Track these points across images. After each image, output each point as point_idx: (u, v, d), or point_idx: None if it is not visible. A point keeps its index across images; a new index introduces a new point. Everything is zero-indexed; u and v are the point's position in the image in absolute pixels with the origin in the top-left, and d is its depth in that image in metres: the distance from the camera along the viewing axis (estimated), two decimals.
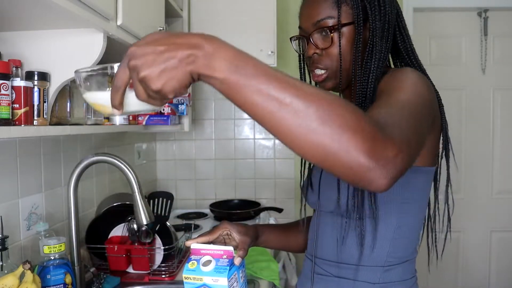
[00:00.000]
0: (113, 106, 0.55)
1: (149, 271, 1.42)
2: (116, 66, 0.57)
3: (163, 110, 1.72)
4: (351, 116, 0.52)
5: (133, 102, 0.56)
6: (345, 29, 0.86)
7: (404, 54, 0.91)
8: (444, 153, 0.90)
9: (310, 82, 0.96)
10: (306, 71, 0.98)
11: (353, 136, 0.51)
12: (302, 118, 0.51)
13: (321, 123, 0.50)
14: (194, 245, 0.82)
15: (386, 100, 0.69)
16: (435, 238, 0.96)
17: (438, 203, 0.92)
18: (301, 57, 0.98)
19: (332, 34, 0.86)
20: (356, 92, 0.85)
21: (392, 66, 0.95)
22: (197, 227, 2.03)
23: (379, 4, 0.85)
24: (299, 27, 0.93)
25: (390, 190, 0.83)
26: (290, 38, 0.96)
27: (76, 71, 0.60)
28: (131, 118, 1.52)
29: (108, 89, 0.57)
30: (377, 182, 0.52)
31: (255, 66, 0.52)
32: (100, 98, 0.59)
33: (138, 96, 0.53)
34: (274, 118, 0.52)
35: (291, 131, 0.52)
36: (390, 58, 0.93)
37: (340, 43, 0.86)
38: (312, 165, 1.02)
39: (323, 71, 0.89)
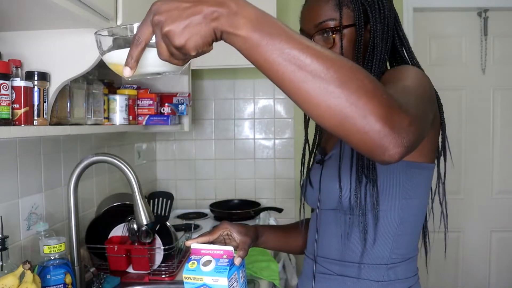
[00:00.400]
0: (127, 64, 0.54)
1: (149, 271, 1.42)
2: (136, 25, 0.56)
3: (163, 110, 1.72)
4: (369, 82, 0.52)
5: (153, 62, 0.55)
6: (346, 31, 0.88)
7: (403, 55, 0.93)
8: (442, 152, 0.90)
9: None
10: None
11: (370, 101, 0.51)
12: (321, 79, 0.51)
13: (339, 85, 0.51)
14: (194, 245, 0.82)
15: (392, 86, 0.70)
16: (428, 236, 0.97)
17: (433, 202, 0.93)
18: None
19: (333, 36, 0.88)
20: None
21: (389, 67, 0.96)
22: (197, 227, 2.03)
23: (379, 7, 0.87)
24: (301, 30, 0.94)
25: (394, 185, 0.83)
26: None
27: (95, 33, 0.59)
28: (131, 118, 1.52)
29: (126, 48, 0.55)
30: (391, 151, 0.52)
31: (277, 26, 0.52)
32: (117, 56, 0.57)
33: (160, 53, 0.53)
34: (293, 79, 0.52)
35: (309, 93, 0.52)
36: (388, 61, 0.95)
37: (341, 44, 0.87)
38: (311, 164, 1.02)
39: None
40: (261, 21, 0.52)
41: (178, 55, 0.53)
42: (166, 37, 0.51)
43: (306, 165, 1.03)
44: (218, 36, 0.53)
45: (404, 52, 0.93)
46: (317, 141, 1.03)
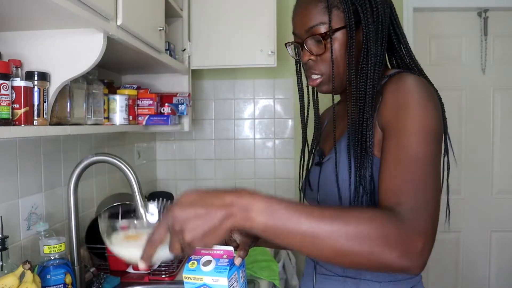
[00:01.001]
0: (144, 259, 0.63)
1: (149, 271, 1.42)
2: (136, 222, 0.72)
3: (163, 110, 1.72)
4: (375, 231, 0.62)
5: (163, 254, 0.65)
6: (338, 34, 0.85)
7: (400, 53, 0.91)
8: (445, 152, 0.89)
9: (307, 86, 0.98)
10: (303, 74, 0.98)
11: (383, 250, 0.61)
12: (336, 245, 0.61)
13: (351, 245, 0.61)
14: None
15: (396, 156, 0.73)
16: None
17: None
18: (297, 61, 0.98)
19: (325, 41, 0.85)
20: (352, 97, 0.85)
21: (389, 65, 0.95)
22: None
23: (371, 5, 0.84)
24: (293, 33, 0.93)
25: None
26: (285, 44, 0.96)
27: (101, 216, 0.72)
28: (131, 118, 1.52)
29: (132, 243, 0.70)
30: (412, 271, 0.64)
31: (286, 209, 0.62)
32: (128, 254, 0.70)
33: (172, 250, 0.62)
34: (311, 248, 0.63)
35: (328, 257, 0.64)
36: (386, 56, 0.93)
37: (332, 49, 0.85)
38: (310, 165, 1.01)
39: (318, 76, 0.90)
40: (271, 210, 0.61)
41: (190, 250, 0.62)
42: (186, 244, 0.60)
43: (305, 166, 1.02)
44: (234, 230, 0.64)
45: (402, 50, 0.91)
46: (316, 142, 1.02)
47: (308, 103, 1.01)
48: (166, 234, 0.61)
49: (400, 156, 0.72)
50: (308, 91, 1.01)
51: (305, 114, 1.01)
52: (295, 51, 0.94)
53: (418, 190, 0.69)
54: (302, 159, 1.02)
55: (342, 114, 0.96)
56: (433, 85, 0.87)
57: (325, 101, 1.03)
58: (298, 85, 1.01)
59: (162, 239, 0.61)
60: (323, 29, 0.85)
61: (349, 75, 0.86)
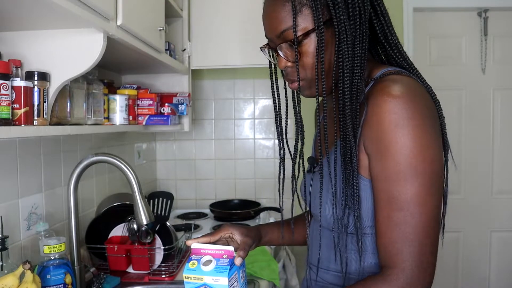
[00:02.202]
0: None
1: (149, 271, 1.42)
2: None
3: (163, 110, 1.72)
4: None
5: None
6: (313, 36, 0.76)
7: (386, 46, 0.82)
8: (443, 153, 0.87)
9: (285, 87, 0.91)
10: (279, 78, 0.91)
11: None
12: None
13: None
14: (194, 244, 0.82)
15: (389, 212, 0.72)
16: None
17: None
18: (273, 65, 0.90)
19: (298, 45, 0.77)
20: (338, 104, 0.77)
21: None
22: (197, 227, 2.03)
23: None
24: (266, 37, 0.85)
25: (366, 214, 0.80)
26: (261, 48, 0.87)
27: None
28: (131, 118, 1.51)
29: None
30: None
31: None
32: None
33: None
34: None
35: None
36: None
37: (297, 59, 0.77)
38: (298, 175, 0.93)
39: (297, 81, 0.81)
40: None
41: None
42: None
43: (296, 175, 0.93)
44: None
45: (387, 43, 0.81)
46: (301, 147, 0.92)
47: (294, 105, 0.89)
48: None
49: (394, 212, 0.71)
50: (286, 94, 0.93)
51: (279, 122, 0.93)
52: (270, 54, 0.86)
53: (416, 251, 0.70)
54: (293, 168, 0.93)
55: (329, 117, 0.90)
56: (424, 81, 0.81)
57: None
58: (272, 91, 0.92)
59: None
60: (293, 33, 0.76)
61: (326, 80, 0.78)
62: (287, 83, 0.90)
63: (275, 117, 0.94)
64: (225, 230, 0.95)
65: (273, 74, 0.92)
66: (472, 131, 2.56)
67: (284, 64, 0.82)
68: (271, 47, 0.84)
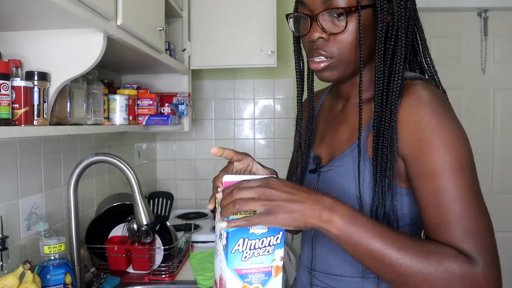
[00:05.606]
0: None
1: (149, 271, 1.42)
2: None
3: (163, 110, 1.72)
4: (452, 271, 0.66)
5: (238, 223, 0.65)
6: (363, 12, 0.71)
7: (418, 51, 0.81)
8: None
9: (309, 69, 0.85)
10: (303, 55, 0.84)
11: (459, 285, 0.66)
12: (401, 276, 0.63)
13: (423, 280, 0.63)
14: (226, 177, 0.70)
15: (439, 203, 0.68)
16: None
17: None
18: (298, 38, 0.84)
19: (347, 18, 0.71)
20: (377, 96, 0.73)
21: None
22: (197, 227, 2.03)
23: None
24: (300, 2, 0.76)
25: (401, 218, 0.76)
26: (287, 16, 0.79)
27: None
28: (131, 118, 1.52)
29: None
30: None
31: (363, 225, 0.63)
32: None
33: (252, 207, 0.64)
34: (376, 269, 0.65)
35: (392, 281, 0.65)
36: None
37: (360, 30, 0.71)
38: (301, 173, 0.92)
39: (325, 59, 0.75)
40: (350, 221, 0.63)
41: (259, 220, 0.64)
42: (267, 214, 0.62)
43: (299, 173, 0.92)
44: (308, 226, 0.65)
45: (422, 56, 0.80)
46: (309, 143, 0.91)
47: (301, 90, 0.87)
48: (254, 207, 0.63)
49: (443, 202, 0.67)
50: (303, 76, 0.86)
51: (299, 105, 0.90)
52: (298, 25, 0.78)
53: (477, 234, 0.73)
54: (299, 162, 0.91)
55: (339, 115, 0.87)
56: (442, 87, 0.82)
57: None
58: (296, 68, 0.86)
59: (249, 208, 0.63)
60: (344, 4, 0.71)
61: (377, 65, 0.73)
62: (304, 61, 0.84)
63: (297, 94, 0.89)
64: (248, 160, 0.82)
65: (299, 50, 0.85)
66: (472, 131, 2.55)
67: (319, 34, 0.74)
68: (306, 14, 0.75)
